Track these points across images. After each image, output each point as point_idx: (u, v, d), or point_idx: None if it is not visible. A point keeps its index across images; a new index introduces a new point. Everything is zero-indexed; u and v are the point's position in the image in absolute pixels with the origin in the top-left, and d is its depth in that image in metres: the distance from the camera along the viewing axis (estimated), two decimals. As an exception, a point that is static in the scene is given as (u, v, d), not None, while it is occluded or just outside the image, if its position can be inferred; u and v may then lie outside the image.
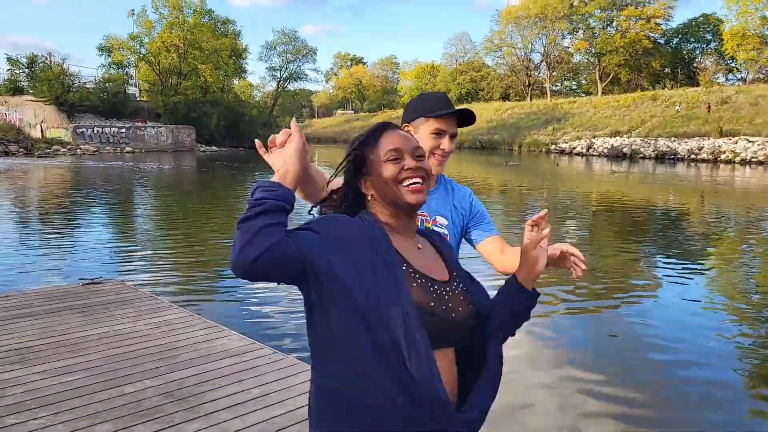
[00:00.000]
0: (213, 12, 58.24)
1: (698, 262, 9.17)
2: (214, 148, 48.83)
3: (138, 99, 55.84)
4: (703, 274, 8.37)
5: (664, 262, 8.92)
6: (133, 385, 3.50)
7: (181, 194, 18.92)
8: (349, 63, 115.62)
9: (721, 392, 4.37)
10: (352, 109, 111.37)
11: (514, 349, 4.75)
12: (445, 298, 1.29)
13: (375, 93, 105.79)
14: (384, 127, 1.40)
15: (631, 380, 4.48)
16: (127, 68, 55.89)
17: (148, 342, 4.24)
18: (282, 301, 6.49)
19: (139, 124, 46.61)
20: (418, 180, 1.32)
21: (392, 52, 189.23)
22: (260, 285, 7.12)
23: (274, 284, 6.92)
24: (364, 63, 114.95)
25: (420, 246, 1.38)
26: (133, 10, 56.03)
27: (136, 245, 10.04)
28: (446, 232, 1.83)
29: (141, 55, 53.72)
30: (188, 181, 23.30)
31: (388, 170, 1.32)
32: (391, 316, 1.17)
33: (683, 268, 8.43)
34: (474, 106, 67.02)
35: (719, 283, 7.86)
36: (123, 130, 44.45)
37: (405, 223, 1.37)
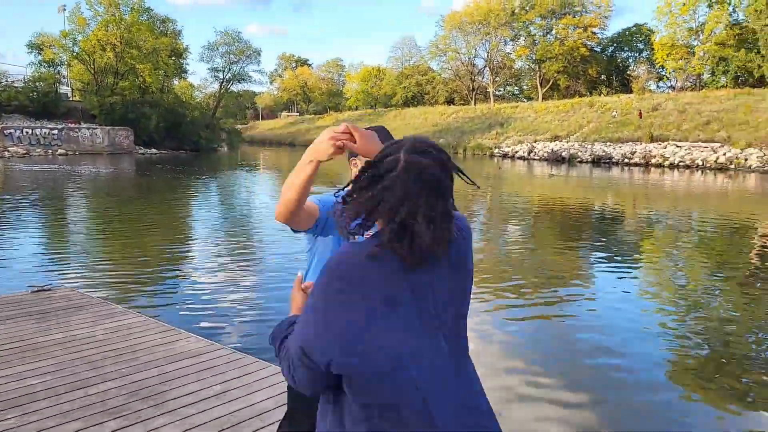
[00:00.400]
0: (152, 10, 56.83)
1: (632, 261, 9.81)
2: (153, 150, 47.59)
3: (71, 99, 53.78)
4: (637, 273, 8.97)
5: (602, 262, 9.51)
6: (96, 387, 3.63)
7: (120, 198, 18.53)
8: (293, 64, 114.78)
9: (655, 390, 4.68)
10: (298, 111, 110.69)
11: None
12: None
13: (321, 95, 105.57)
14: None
15: (571, 381, 4.73)
16: (59, 67, 53.75)
17: (107, 346, 4.35)
18: (235, 303, 6.65)
19: (73, 125, 44.88)
20: None
21: (338, 54, 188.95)
22: (212, 286, 7.24)
23: (227, 285, 7.07)
24: (309, 65, 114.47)
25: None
26: (65, 6, 53.98)
27: (78, 252, 9.90)
28: None
29: (74, 54, 51.74)
30: (127, 185, 22.79)
31: None
32: None
33: (619, 268, 9.03)
34: (420, 110, 68.06)
35: (652, 281, 8.46)
36: (55, 132, 42.71)
37: None
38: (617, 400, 4.46)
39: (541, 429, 4.01)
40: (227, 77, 73.31)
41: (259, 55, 72.78)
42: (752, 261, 9.68)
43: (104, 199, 18.27)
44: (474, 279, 1.46)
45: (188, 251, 9.85)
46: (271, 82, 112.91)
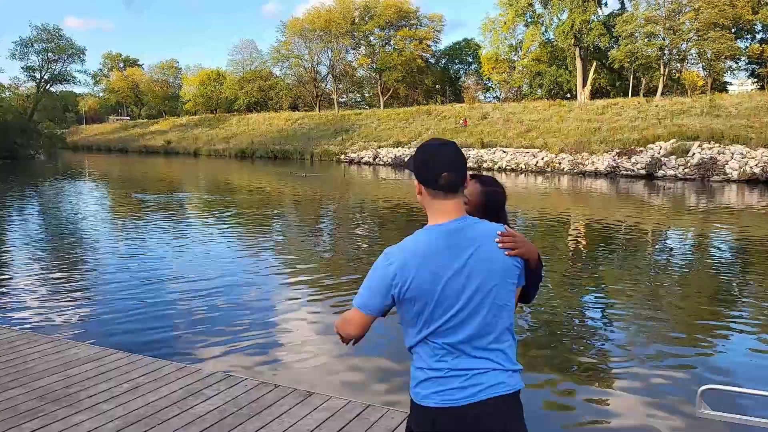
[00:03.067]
0: (-48, 0, 49.87)
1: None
2: (-44, 158, 41.88)
3: None
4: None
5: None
6: (1, 395, 3.62)
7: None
8: (121, 64, 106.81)
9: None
10: (129, 115, 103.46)
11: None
12: None
13: (155, 98, 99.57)
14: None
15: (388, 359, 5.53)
16: None
17: (-7, 359, 4.25)
18: (114, 304, 6.57)
19: None
20: None
21: (173, 56, 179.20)
22: (64, 294, 7.04)
23: (77, 290, 6.90)
24: (140, 65, 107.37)
25: None
26: None
27: None
28: None
29: None
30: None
31: None
32: None
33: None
34: (264, 116, 67.41)
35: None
36: None
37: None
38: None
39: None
40: (45, 77, 66.65)
41: (84, 53, 67.21)
42: (568, 251, 11.48)
43: None
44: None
45: (17, 263, 9.26)
46: (95, 83, 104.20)
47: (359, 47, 70.26)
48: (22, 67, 69.98)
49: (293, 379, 4.65)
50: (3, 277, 8.51)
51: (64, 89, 75.47)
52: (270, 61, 77.01)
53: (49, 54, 65.31)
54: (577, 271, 9.45)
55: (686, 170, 28.66)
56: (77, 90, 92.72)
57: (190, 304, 6.90)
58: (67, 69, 67.46)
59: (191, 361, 4.48)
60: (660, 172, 29.43)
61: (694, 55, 49.63)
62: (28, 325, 5.97)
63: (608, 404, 4.63)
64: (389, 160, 41.91)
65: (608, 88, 56.33)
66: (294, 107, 75.63)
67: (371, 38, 69.16)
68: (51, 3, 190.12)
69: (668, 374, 5.19)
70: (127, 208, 17.56)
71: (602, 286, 8.60)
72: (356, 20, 67.42)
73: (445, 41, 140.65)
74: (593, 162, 32.57)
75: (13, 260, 9.78)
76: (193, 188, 25.01)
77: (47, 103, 70.22)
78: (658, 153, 30.86)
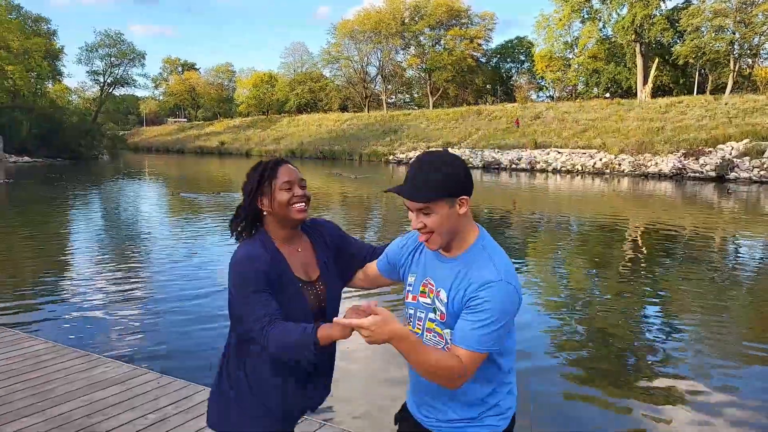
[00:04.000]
0: (22, 8, 52.29)
1: (518, 260, 10.34)
2: (26, 158, 43.64)
3: (-71, 103, 48.12)
4: (524, 271, 9.49)
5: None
6: (12, 425, 3.26)
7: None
8: (180, 68, 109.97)
9: (545, 379, 5.07)
10: (186, 117, 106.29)
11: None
12: (313, 293, 1.82)
13: (211, 101, 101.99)
14: (281, 161, 1.83)
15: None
16: None
17: (16, 377, 3.92)
18: (155, 322, 6.25)
19: (-67, 131, 40.21)
20: (302, 204, 1.79)
21: (228, 59, 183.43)
22: (116, 306, 6.76)
23: (130, 302, 6.60)
24: (197, 69, 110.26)
25: (299, 249, 1.85)
26: None
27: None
28: (444, 310, 1.63)
29: (-67, 54, 46.36)
30: None
31: (283, 195, 1.77)
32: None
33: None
34: (314, 117, 67.83)
35: (538, 280, 8.99)
36: None
37: (290, 233, 1.83)
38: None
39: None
40: (108, 81, 69.18)
41: (144, 57, 69.52)
42: (625, 257, 10.59)
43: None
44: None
45: (78, 268, 9.10)
46: (155, 87, 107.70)
47: (409, 47, 69.77)
48: (87, 72, 73.00)
49: (347, 415, 4.14)
50: (45, 280, 8.38)
51: (126, 92, 78.19)
52: (320, 62, 77.57)
53: (112, 59, 67.77)
54: (636, 280, 8.62)
55: (762, 172, 26.76)
56: (138, 93, 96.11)
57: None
58: (128, 72, 69.84)
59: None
60: (732, 175, 27.61)
61: (767, 49, 46.80)
62: (60, 333, 5.69)
63: (669, 423, 4.00)
64: (439, 161, 41.27)
65: (671, 85, 53.78)
66: (343, 108, 75.83)
67: (421, 38, 68.54)
68: (120, 13, 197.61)
69: (735, 393, 4.55)
70: (179, 208, 17.57)
71: (664, 296, 7.79)
72: (406, 20, 66.96)
73: (497, 40, 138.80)
74: (656, 163, 30.94)
75: (59, 264, 9.71)
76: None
77: (110, 106, 72.97)
78: (730, 154, 29.01)
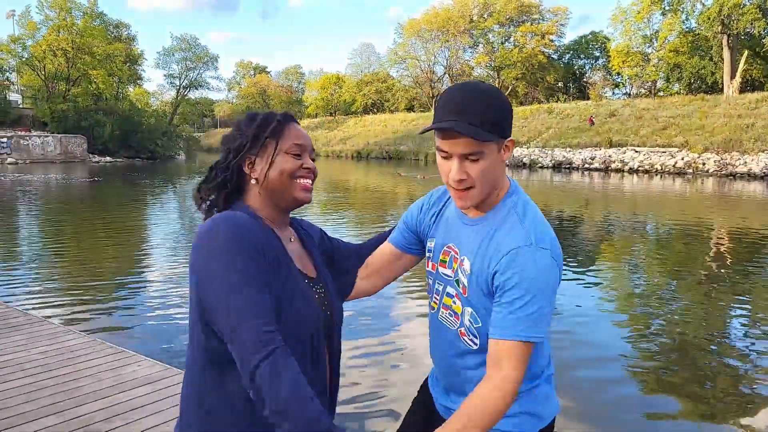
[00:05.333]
0: (105, 15, 55.17)
1: (594, 266, 9.61)
2: (108, 158, 46.00)
3: (21, 106, 51.73)
4: (600, 277, 8.74)
5: (565, 267, 9.27)
6: (29, 425, 3.05)
7: (72, 209, 17.52)
8: (252, 71, 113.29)
9: (622, 390, 4.53)
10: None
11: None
12: (318, 297, 1.32)
13: (281, 103, 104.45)
14: (291, 117, 1.35)
15: None
16: (7, 73, 51.61)
17: (46, 372, 3.76)
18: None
19: (23, 133, 43.05)
20: (309, 180, 1.32)
21: (298, 62, 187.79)
22: (166, 305, 6.64)
23: (182, 305, 6.46)
24: (268, 72, 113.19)
25: (292, 239, 1.37)
26: (14, 11, 52.00)
27: (20, 264, 9.08)
28: (465, 281, 1.35)
29: (23, 59, 49.68)
30: (79, 195, 21.64)
31: (288, 163, 1.28)
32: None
33: (582, 273, 8.78)
34: (380, 117, 67.92)
35: (614, 285, 8.24)
36: (4, 140, 40.85)
37: (282, 217, 1.34)
38: (586, 402, 4.23)
39: None
40: (184, 84, 71.98)
41: (217, 61, 71.91)
42: (708, 263, 9.59)
43: (55, 209, 17.23)
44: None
45: (143, 266, 9.15)
46: (229, 90, 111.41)
47: (477, 45, 68.55)
48: (165, 75, 76.39)
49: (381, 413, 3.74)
50: (104, 276, 8.46)
51: (200, 95, 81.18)
52: (387, 63, 77.61)
53: (187, 62, 70.46)
54: (719, 287, 7.74)
55: None
56: (213, 96, 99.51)
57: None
58: (202, 76, 72.43)
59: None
60: (830, 174, 25.26)
61: None
62: (103, 327, 5.60)
63: None
64: (507, 161, 40.14)
65: (762, 79, 50.00)
66: (410, 108, 75.48)
67: (490, 35, 67.16)
68: (200, 19, 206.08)
69: None
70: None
71: (749, 305, 6.91)
72: (474, 18, 65.80)
73: (570, 36, 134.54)
74: (746, 162, 28.72)
75: (141, 264, 9.84)
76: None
77: (185, 108, 76.00)
78: (828, 152, 26.56)
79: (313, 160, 1.36)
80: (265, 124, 1.31)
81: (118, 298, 7.00)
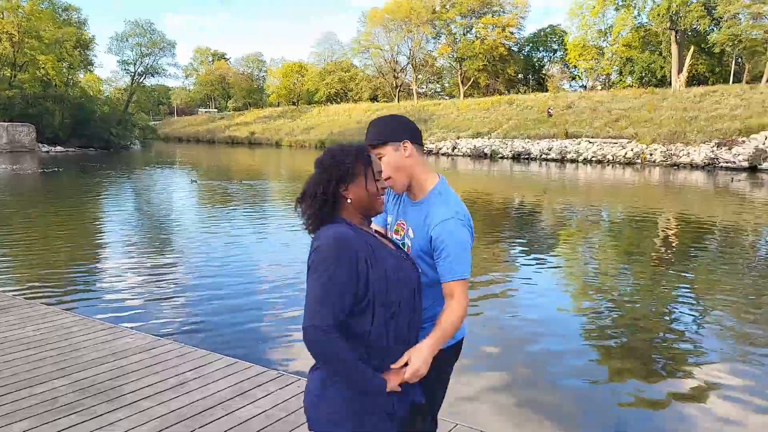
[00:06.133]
0: (53, -3, 53.32)
1: (551, 252, 10.31)
2: (59, 148, 44.59)
3: (-38, 93, 49.67)
4: (556, 263, 9.43)
5: (522, 253, 9.94)
6: (42, 386, 3.46)
7: (24, 198, 17.36)
8: (210, 58, 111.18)
9: (577, 361, 5.15)
10: (216, 108, 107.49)
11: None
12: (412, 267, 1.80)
13: (241, 91, 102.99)
14: (368, 150, 1.79)
15: (502, 365, 4.98)
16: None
17: (46, 346, 4.14)
18: (167, 298, 6.46)
19: (-35, 120, 41.42)
20: (383, 195, 1.78)
21: (258, 49, 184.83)
22: (140, 283, 6.99)
23: (153, 281, 6.82)
24: (227, 59, 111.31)
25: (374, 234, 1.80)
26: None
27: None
28: (410, 244, 1.96)
29: (-37, 44, 47.71)
30: (31, 185, 21.31)
31: (374, 186, 1.71)
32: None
33: (538, 259, 9.46)
34: (344, 107, 67.95)
35: (569, 271, 8.94)
36: (-55, 128, 39.20)
37: (366, 221, 1.78)
38: (545, 379, 4.68)
39: (471, 409, 4.20)
40: (139, 71, 70.24)
41: (174, 47, 70.21)
42: (655, 247, 10.44)
43: (6, 199, 17.04)
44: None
45: (105, 250, 9.42)
46: (186, 77, 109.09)
47: (440, 36, 69.23)
48: (118, 61, 74.37)
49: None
50: (76, 259, 8.70)
51: (157, 83, 79.37)
52: (350, 52, 77.55)
53: (142, 48, 68.63)
54: (667, 273, 8.51)
55: (797, 163, 25.98)
56: (170, 83, 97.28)
57: (251, 296, 6.67)
58: (159, 62, 70.73)
59: (244, 357, 4.16)
60: (765, 164, 26.86)
61: (808, 36, 45.12)
62: (88, 308, 5.94)
63: (701, 413, 3.99)
64: (468, 150, 40.94)
65: (706, 74, 52.26)
66: (373, 98, 75.75)
67: (452, 26, 67.90)
68: (154, 2, 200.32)
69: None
70: (208, 196, 17.93)
71: (695, 289, 7.65)
72: (437, 8, 66.37)
73: (530, 28, 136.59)
74: (689, 153, 30.24)
75: (84, 244, 10.05)
76: (271, 177, 25.42)
77: (141, 96, 74.13)
78: (763, 144, 28.18)
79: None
80: (358, 155, 1.71)
81: (89, 280, 7.29)
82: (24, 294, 6.31)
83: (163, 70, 71.81)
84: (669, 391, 4.43)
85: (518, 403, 4.22)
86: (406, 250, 1.93)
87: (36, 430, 2.94)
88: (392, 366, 1.64)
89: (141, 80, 70.98)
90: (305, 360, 4.74)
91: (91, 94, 56.98)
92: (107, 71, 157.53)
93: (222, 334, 5.35)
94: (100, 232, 11.32)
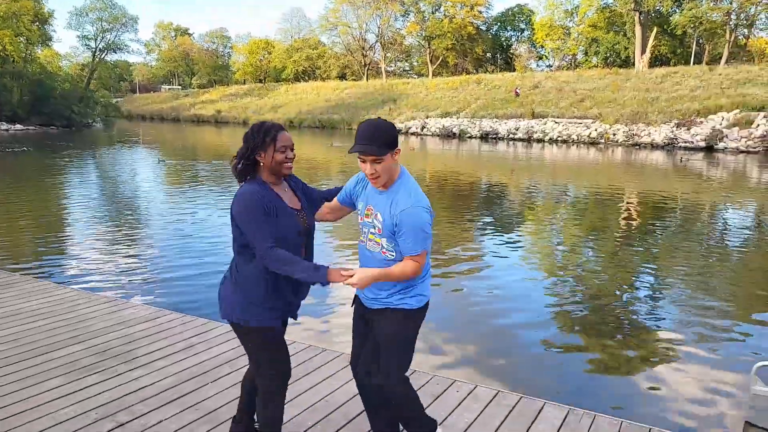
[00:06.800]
0: (9, -31, 51.28)
1: (517, 230, 10.88)
2: (19, 126, 43.39)
3: None
4: (522, 240, 10.00)
5: (489, 231, 10.47)
6: (61, 351, 3.79)
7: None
8: (173, 34, 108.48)
9: (541, 333, 5.67)
10: (180, 85, 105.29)
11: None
12: (300, 218, 2.46)
13: (205, 68, 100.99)
14: (281, 127, 2.41)
15: (469, 336, 5.41)
16: None
17: (56, 317, 4.45)
18: (164, 267, 6.76)
19: None
20: (290, 164, 2.40)
21: (222, 24, 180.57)
22: (122, 259, 7.27)
23: (151, 260, 7.12)
24: (191, 34, 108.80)
25: (286, 189, 2.47)
26: None
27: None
28: (380, 226, 2.42)
29: None
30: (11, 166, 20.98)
31: (279, 156, 2.35)
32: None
33: (505, 237, 10.01)
34: (312, 85, 67.50)
35: (535, 247, 9.51)
36: None
37: (278, 180, 2.43)
38: (512, 353, 5.10)
39: (446, 375, 4.69)
40: (100, 46, 68.27)
41: (137, 22, 68.37)
42: (618, 224, 11.11)
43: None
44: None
45: (77, 228, 9.61)
46: (148, 53, 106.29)
47: (408, 14, 69.08)
48: (78, 36, 71.93)
49: (341, 343, 4.68)
50: (62, 238, 8.88)
51: (119, 58, 77.20)
52: (318, 29, 76.81)
53: (103, 23, 66.62)
54: (628, 247, 9.15)
55: (749, 142, 27.21)
56: (131, 59, 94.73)
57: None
58: (121, 38, 68.81)
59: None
60: (720, 144, 28.07)
61: (763, 19, 46.72)
62: (85, 285, 6.22)
63: (658, 379, 4.50)
64: (437, 130, 41.40)
65: (669, 55, 53.67)
66: (342, 76, 75.37)
67: (421, 4, 67.80)
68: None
69: (722, 351, 5.05)
70: (174, 175, 18.00)
71: (654, 262, 8.28)
72: (406, -14, 66.12)
73: (497, 7, 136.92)
74: (649, 133, 31.31)
75: (67, 223, 10.19)
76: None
77: (102, 72, 72.12)
78: (720, 124, 29.38)
79: (292, 150, 2.41)
80: (268, 133, 2.35)
81: (92, 257, 7.53)
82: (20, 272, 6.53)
83: (126, 46, 70.15)
84: (627, 357, 4.96)
85: (482, 362, 4.72)
86: (377, 231, 2.43)
87: (67, 387, 3.29)
88: (341, 272, 2.23)
89: (102, 56, 69.07)
90: (302, 326, 5.13)
91: (51, 70, 55.32)
92: (66, 46, 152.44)
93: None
94: (75, 212, 11.43)
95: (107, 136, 40.15)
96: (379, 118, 2.43)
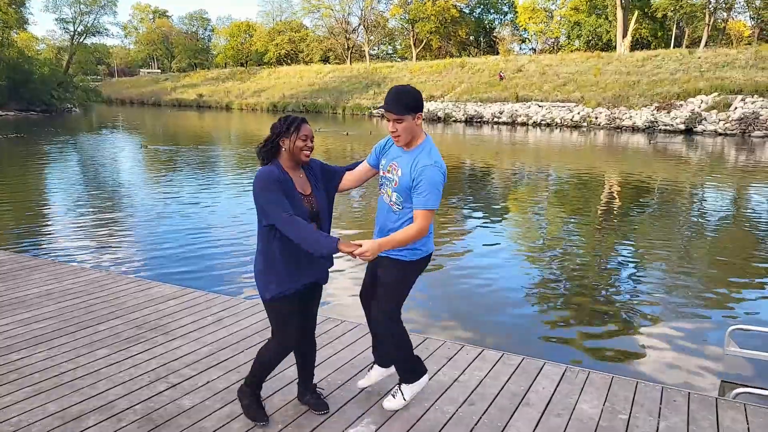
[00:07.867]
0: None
1: (501, 212, 11.29)
2: (-2, 111, 42.88)
3: None
4: (506, 222, 10.42)
5: (474, 214, 10.87)
6: (103, 324, 4.13)
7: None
8: (151, 16, 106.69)
9: (525, 310, 6.10)
10: (159, 69, 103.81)
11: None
12: (309, 203, 2.80)
13: (185, 51, 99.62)
14: (303, 120, 2.75)
15: (452, 311, 5.90)
16: None
17: (88, 296, 4.77)
18: (177, 248, 7.08)
19: None
20: (309, 152, 2.75)
21: (201, 6, 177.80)
22: (147, 235, 7.56)
23: (173, 242, 7.43)
24: (169, 17, 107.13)
25: (301, 176, 2.80)
26: None
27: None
28: (397, 179, 2.80)
29: None
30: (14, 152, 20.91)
31: (299, 143, 2.72)
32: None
33: (489, 219, 10.43)
34: (295, 69, 67.14)
35: (519, 229, 9.95)
36: None
37: (295, 165, 2.78)
38: (494, 322, 5.55)
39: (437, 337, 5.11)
40: (79, 30, 67.12)
41: (116, 5, 67.29)
42: (600, 206, 11.60)
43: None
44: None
45: (83, 212, 9.86)
46: (126, 36, 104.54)
47: (391, -3, 68.75)
48: (56, 19, 70.58)
49: (358, 315, 5.07)
50: (78, 223, 9.12)
51: (97, 42, 75.94)
52: (300, 11, 76.19)
53: (81, 5, 65.47)
54: (609, 228, 9.63)
55: (727, 125, 27.97)
56: (109, 42, 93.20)
57: (250, 248, 7.38)
58: (100, 21, 67.71)
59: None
60: (699, 127, 28.80)
61: (741, 3, 47.49)
62: (104, 267, 6.53)
63: (643, 343, 4.97)
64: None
65: (650, 38, 54.34)
66: (325, 60, 75.00)
67: (404, -13, 67.51)
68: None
69: (700, 317, 5.56)
70: (166, 161, 18.15)
71: (634, 242, 8.74)
72: (388, -31, 65.75)
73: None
74: (631, 117, 31.96)
75: (69, 209, 10.41)
76: (243, 141, 25.55)
77: (81, 57, 70.92)
78: (699, 107, 30.09)
79: (312, 140, 2.77)
80: (293, 123, 2.72)
81: (116, 240, 7.81)
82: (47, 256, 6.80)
83: (105, 29, 68.99)
84: (616, 324, 5.44)
85: (487, 330, 5.16)
86: (393, 184, 2.81)
87: (116, 355, 3.65)
88: (350, 243, 2.54)
89: (81, 40, 67.94)
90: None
91: (29, 54, 54.34)
92: (42, 30, 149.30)
93: (235, 282, 6.08)
94: (79, 198, 11.62)
95: (88, 121, 39.76)
96: (408, 85, 2.78)
